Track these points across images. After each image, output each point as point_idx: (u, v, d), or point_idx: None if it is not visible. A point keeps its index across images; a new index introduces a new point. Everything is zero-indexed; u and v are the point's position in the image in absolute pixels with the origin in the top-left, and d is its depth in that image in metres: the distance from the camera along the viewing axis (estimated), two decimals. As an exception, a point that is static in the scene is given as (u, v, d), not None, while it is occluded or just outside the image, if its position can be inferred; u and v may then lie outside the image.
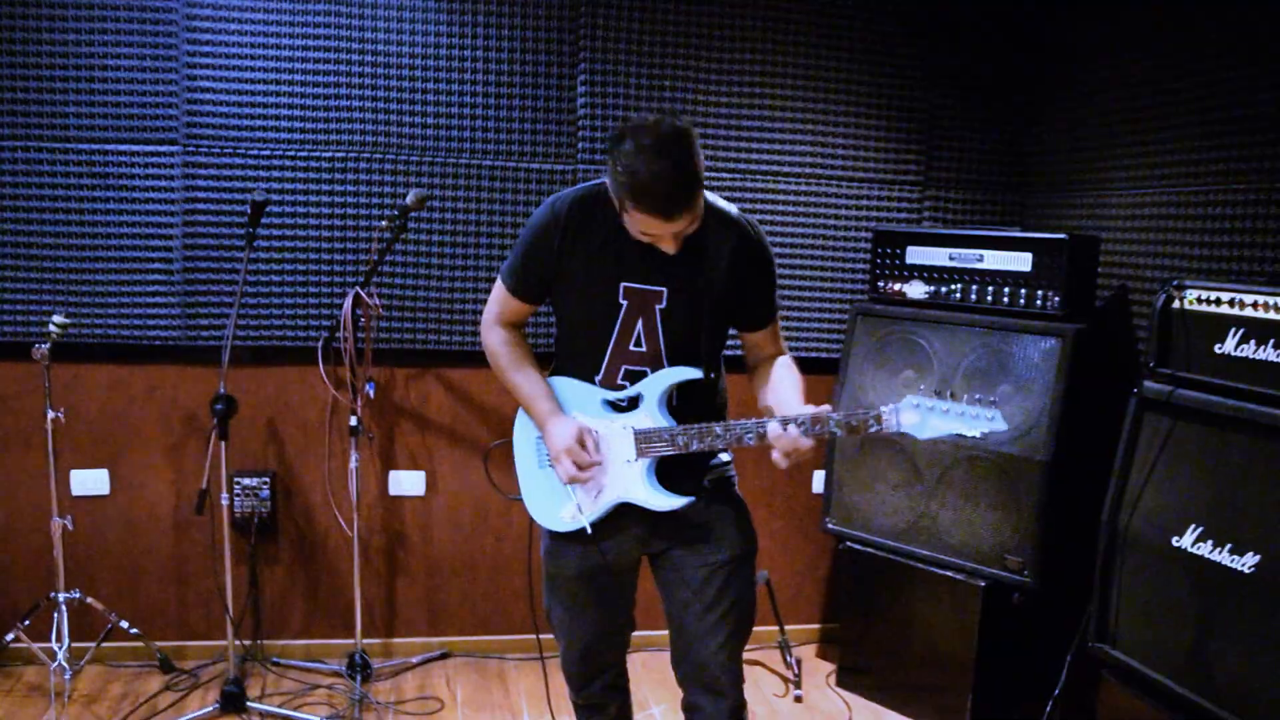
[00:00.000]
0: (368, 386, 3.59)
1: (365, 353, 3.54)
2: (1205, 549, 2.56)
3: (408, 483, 3.87)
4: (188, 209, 3.56)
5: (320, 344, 3.53)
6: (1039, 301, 3.27)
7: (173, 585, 3.77)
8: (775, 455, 2.10)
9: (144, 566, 3.75)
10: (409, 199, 3.38)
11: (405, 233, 3.59)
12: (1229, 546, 2.49)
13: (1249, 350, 2.54)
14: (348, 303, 3.43)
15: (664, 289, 2.24)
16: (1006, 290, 3.35)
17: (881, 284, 3.66)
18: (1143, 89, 3.41)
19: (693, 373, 2.26)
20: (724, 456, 2.43)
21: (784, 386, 2.28)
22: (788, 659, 3.85)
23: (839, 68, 3.90)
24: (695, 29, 3.78)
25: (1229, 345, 2.59)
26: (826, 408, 2.10)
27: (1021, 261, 3.32)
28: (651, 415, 2.25)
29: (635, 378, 2.28)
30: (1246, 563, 2.44)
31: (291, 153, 3.60)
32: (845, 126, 3.94)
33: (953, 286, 3.48)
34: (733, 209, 2.30)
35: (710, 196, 2.25)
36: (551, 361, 2.45)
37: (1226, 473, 2.55)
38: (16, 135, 3.44)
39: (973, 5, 3.94)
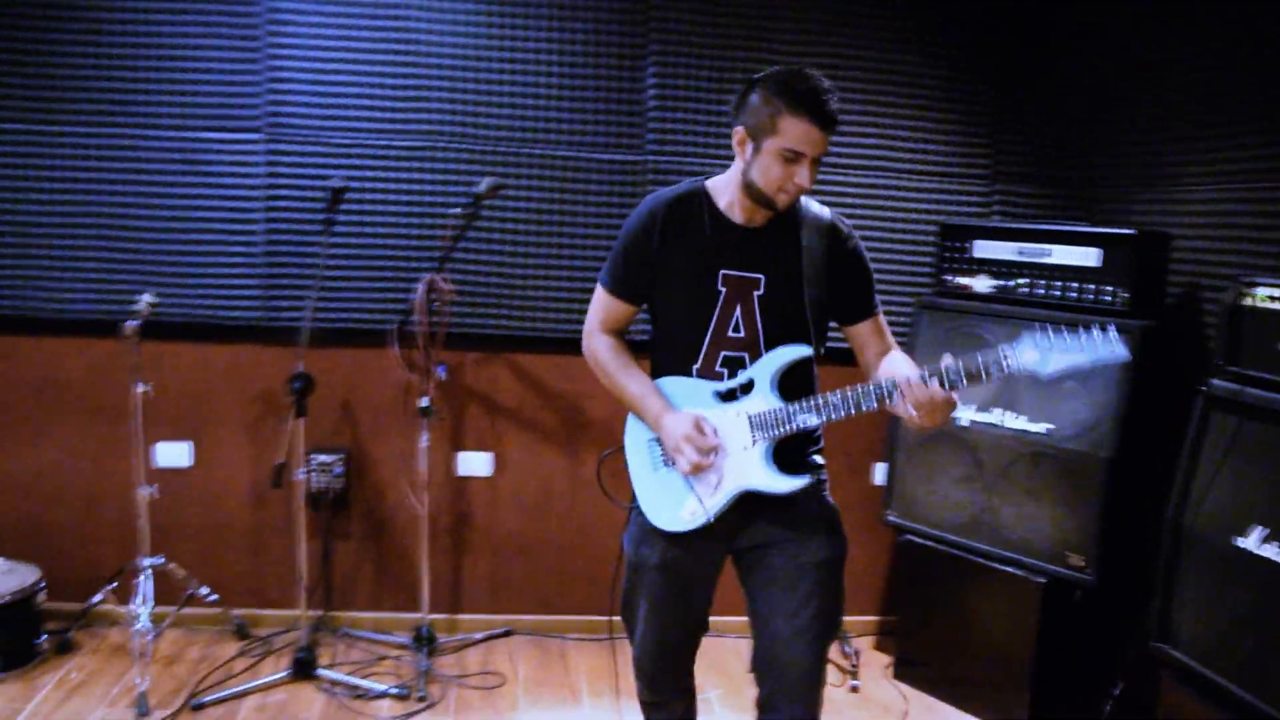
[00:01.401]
0: (439, 369, 3.68)
1: (437, 336, 3.64)
2: (1270, 551, 2.52)
3: (475, 463, 3.96)
4: (270, 194, 3.69)
5: (394, 327, 3.63)
6: (1107, 298, 3.25)
7: (249, 555, 3.92)
8: (908, 410, 2.06)
9: (223, 536, 3.90)
10: (482, 187, 3.45)
11: (478, 220, 3.67)
12: (1294, 549, 2.47)
13: (1320, 350, 2.50)
14: (421, 287, 3.53)
15: (761, 275, 2.27)
16: (1074, 286, 3.32)
17: (947, 278, 3.65)
18: (1217, 83, 3.35)
19: (803, 350, 2.27)
20: (819, 459, 2.42)
21: (896, 360, 2.28)
22: (845, 649, 3.87)
23: (907, 60, 3.90)
24: (764, 21, 3.80)
25: (1299, 344, 2.55)
26: (947, 357, 2.05)
27: (1090, 257, 3.29)
28: (765, 398, 2.26)
29: (733, 364, 2.30)
30: (1311, 565, 2.42)
31: (370, 141, 3.71)
32: (913, 120, 3.94)
33: (1019, 281, 3.46)
34: (826, 210, 2.34)
35: (805, 198, 2.33)
36: (649, 363, 2.45)
37: (1293, 474, 2.52)
38: (109, 122, 3.60)
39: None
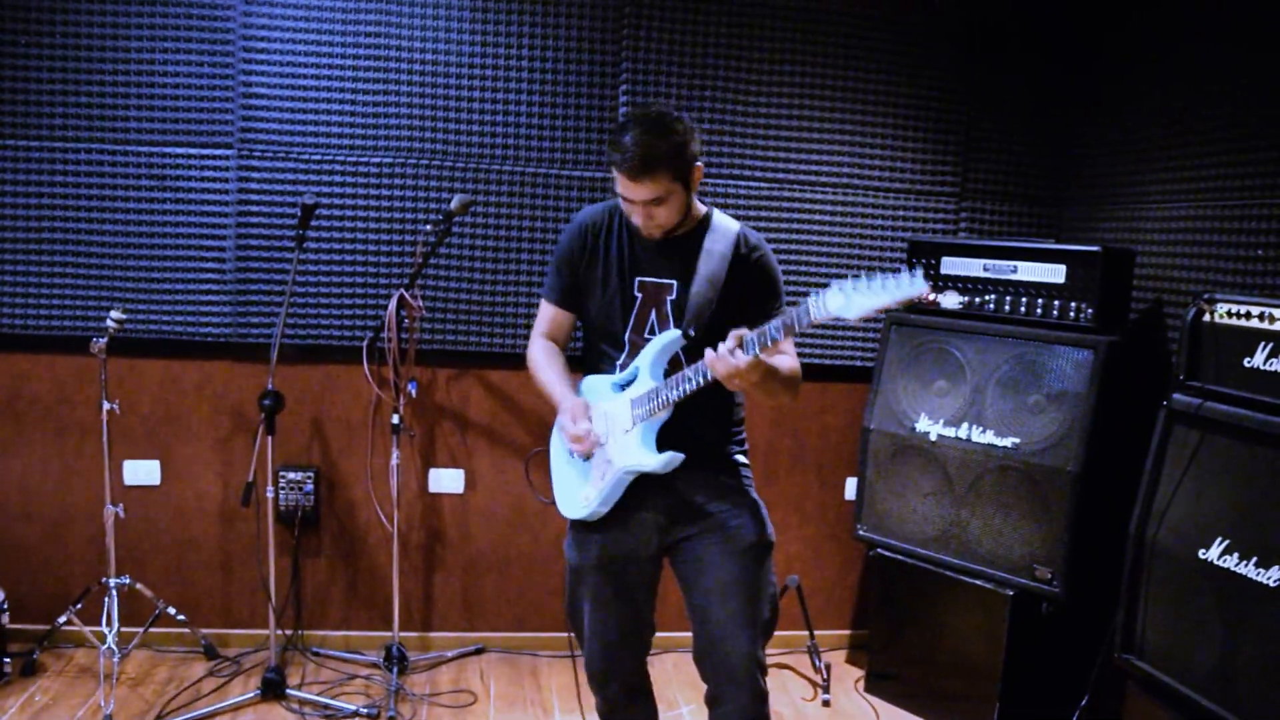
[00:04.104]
0: (410, 385, 3.68)
1: (408, 352, 3.63)
2: (1231, 562, 2.57)
3: (447, 480, 3.95)
4: (241, 210, 3.68)
5: (365, 343, 3.62)
6: (1072, 313, 3.29)
7: (218, 574, 3.88)
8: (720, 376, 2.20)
9: (191, 555, 3.86)
10: (453, 204, 3.46)
11: (449, 236, 3.68)
12: (1254, 560, 2.50)
13: (1278, 365, 2.55)
14: (392, 304, 3.52)
15: (674, 282, 2.45)
16: (1040, 302, 3.37)
17: (916, 294, 3.69)
18: (1180, 103, 3.42)
19: (672, 334, 2.42)
20: (741, 458, 2.56)
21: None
22: (816, 663, 3.88)
23: (878, 79, 3.94)
24: (736, 40, 3.84)
25: (1258, 359, 2.60)
26: (744, 329, 2.18)
27: (1056, 273, 3.34)
28: (645, 383, 2.42)
29: None
30: (1272, 576, 2.45)
31: (341, 157, 3.70)
32: (883, 137, 3.98)
33: (987, 297, 3.50)
34: (735, 224, 2.50)
35: (719, 214, 2.51)
36: (583, 366, 2.62)
37: (1253, 486, 2.56)
38: (80, 137, 3.58)
39: (1012, 19, 3.97)
